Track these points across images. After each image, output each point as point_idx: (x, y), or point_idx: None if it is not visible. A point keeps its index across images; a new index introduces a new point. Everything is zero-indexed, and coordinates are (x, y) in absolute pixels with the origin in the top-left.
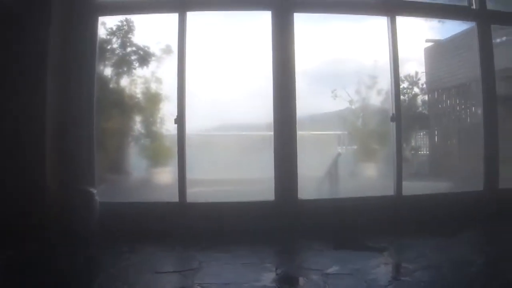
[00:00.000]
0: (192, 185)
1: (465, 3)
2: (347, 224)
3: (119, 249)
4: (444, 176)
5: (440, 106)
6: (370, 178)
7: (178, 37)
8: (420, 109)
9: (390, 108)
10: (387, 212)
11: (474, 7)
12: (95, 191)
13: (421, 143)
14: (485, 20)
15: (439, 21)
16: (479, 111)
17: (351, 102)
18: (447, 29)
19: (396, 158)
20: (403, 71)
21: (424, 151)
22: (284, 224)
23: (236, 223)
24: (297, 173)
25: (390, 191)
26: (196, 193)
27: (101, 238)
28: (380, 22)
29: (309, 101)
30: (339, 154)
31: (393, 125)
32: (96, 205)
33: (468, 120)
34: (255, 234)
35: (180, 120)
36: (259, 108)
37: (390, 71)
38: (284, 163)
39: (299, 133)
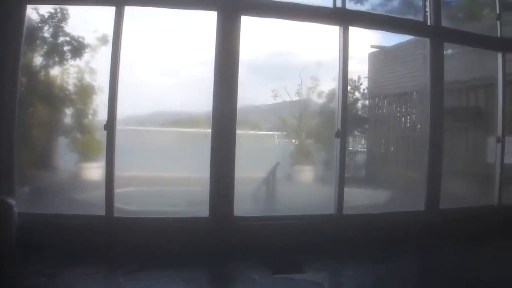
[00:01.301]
0: (121, 184)
1: (421, 19)
2: (286, 244)
3: (37, 270)
4: (380, 183)
5: (380, 112)
6: (308, 184)
7: (114, 31)
8: (360, 113)
9: (336, 119)
10: (328, 232)
11: (429, 23)
12: (14, 202)
13: (358, 147)
14: (439, 37)
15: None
16: (420, 121)
17: (290, 101)
18: (393, 36)
19: (338, 176)
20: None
21: (361, 156)
22: (219, 244)
23: (168, 241)
24: (233, 186)
25: (330, 208)
26: (125, 194)
27: (18, 256)
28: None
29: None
30: (277, 164)
31: (337, 142)
32: (14, 217)
33: (408, 129)
34: (188, 254)
35: (110, 124)
36: (199, 104)
37: (338, 84)
38: (220, 179)
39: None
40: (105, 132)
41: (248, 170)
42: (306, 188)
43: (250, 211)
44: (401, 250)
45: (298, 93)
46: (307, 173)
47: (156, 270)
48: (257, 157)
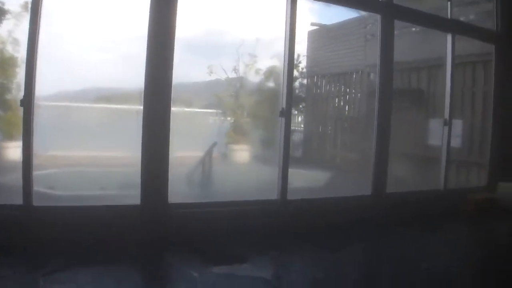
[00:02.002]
0: (45, 166)
1: None
2: (227, 233)
3: None
4: (318, 164)
5: (318, 91)
6: (246, 165)
7: None
8: (297, 92)
9: (280, 97)
10: (271, 219)
11: None
12: None
13: (295, 127)
14: (390, 14)
15: (325, 5)
16: (358, 104)
17: (226, 78)
18: (333, 14)
19: (282, 158)
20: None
21: (298, 135)
22: (153, 234)
23: (95, 233)
24: (168, 170)
25: (272, 192)
26: (48, 176)
27: None
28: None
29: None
30: (214, 144)
31: (281, 121)
32: None
33: (347, 110)
34: (117, 248)
35: (27, 100)
36: (130, 76)
37: (284, 61)
38: (152, 163)
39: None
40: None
41: (183, 150)
42: (244, 169)
43: (185, 196)
44: (348, 236)
45: (235, 71)
46: (244, 153)
47: (82, 268)
48: (191, 136)
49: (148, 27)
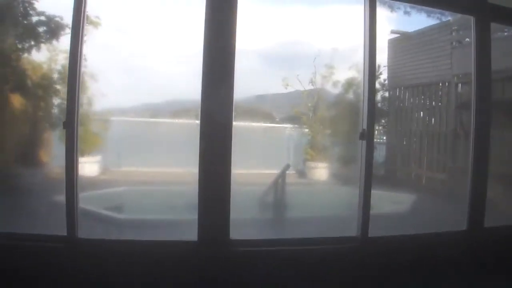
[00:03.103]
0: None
1: None
2: (295, 276)
3: None
4: (400, 184)
5: (401, 104)
6: (324, 184)
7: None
8: (379, 105)
9: (361, 116)
10: (349, 260)
11: None
12: None
13: (377, 139)
14: (485, 16)
15: (405, 13)
16: (447, 117)
17: (303, 90)
18: (413, 22)
19: (363, 192)
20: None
21: (380, 152)
22: (212, 276)
23: (146, 272)
24: (229, 201)
25: (352, 224)
26: (115, 195)
27: None
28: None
29: (259, 81)
30: (287, 166)
31: (362, 144)
32: None
33: (434, 124)
34: None
35: (70, 121)
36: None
37: (364, 73)
38: (211, 192)
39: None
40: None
41: (257, 167)
42: (321, 190)
43: (252, 231)
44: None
45: (312, 82)
46: (322, 171)
47: None
48: (267, 152)
49: (204, 39)
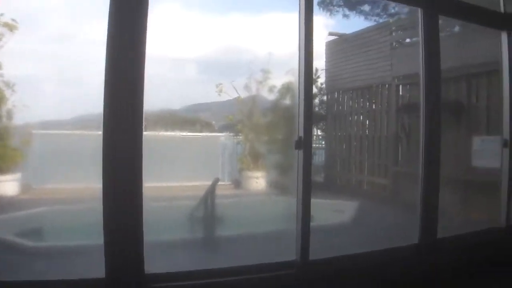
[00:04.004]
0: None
1: None
2: None
3: None
4: (340, 190)
5: (340, 108)
6: (260, 194)
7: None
8: (317, 109)
9: (297, 123)
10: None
11: None
12: None
13: (315, 147)
14: (433, 8)
15: (343, 16)
16: (388, 120)
17: (238, 97)
18: (352, 25)
19: (301, 211)
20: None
21: (319, 158)
22: None
23: None
24: (142, 227)
25: (291, 254)
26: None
27: None
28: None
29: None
30: (217, 180)
31: (298, 155)
32: None
33: (374, 128)
34: None
35: None
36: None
37: (299, 77)
38: (120, 215)
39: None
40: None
41: (187, 179)
42: (258, 201)
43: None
44: None
45: (246, 88)
46: (259, 180)
47: None
48: (200, 163)
49: (107, 44)
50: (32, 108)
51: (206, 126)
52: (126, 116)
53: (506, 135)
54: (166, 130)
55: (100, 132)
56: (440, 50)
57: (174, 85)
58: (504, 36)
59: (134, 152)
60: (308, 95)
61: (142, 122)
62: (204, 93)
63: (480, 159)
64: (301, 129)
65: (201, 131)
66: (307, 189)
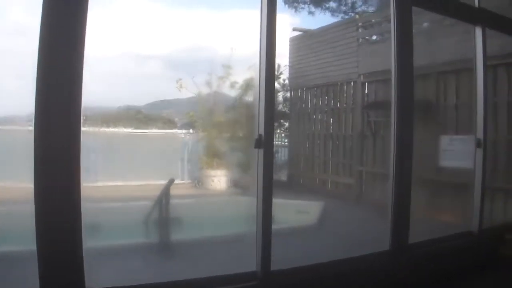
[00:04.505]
0: None
1: None
2: None
3: None
4: (305, 190)
5: (303, 106)
6: (220, 194)
7: None
8: (280, 107)
9: (257, 122)
10: None
11: None
12: None
13: (278, 145)
14: None
15: (309, 13)
16: (353, 118)
17: (198, 93)
18: (318, 23)
19: (262, 220)
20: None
21: (282, 156)
22: None
23: None
24: (81, 236)
25: (252, 265)
26: None
27: None
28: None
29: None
30: (171, 181)
31: (258, 154)
32: None
33: (339, 126)
34: None
35: None
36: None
37: (260, 73)
38: (55, 220)
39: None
40: None
41: (146, 178)
42: (218, 202)
43: (128, 269)
44: None
45: (208, 84)
46: (219, 179)
47: None
48: (159, 161)
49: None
50: None
51: (169, 123)
52: (61, 110)
53: (479, 134)
54: (129, 127)
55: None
56: (413, 43)
57: (138, 81)
58: (478, 31)
59: (70, 150)
60: (270, 92)
61: (80, 117)
62: (168, 89)
63: (449, 159)
64: (261, 127)
65: (163, 129)
66: (268, 193)
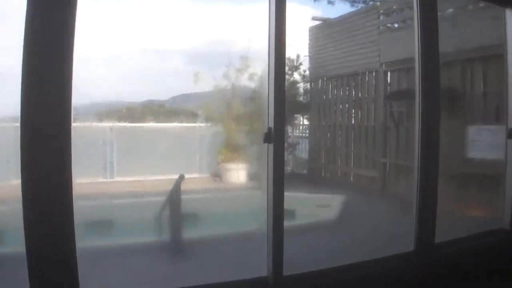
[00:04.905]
0: None
1: None
2: None
3: None
4: (325, 183)
5: (324, 97)
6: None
7: None
8: (301, 98)
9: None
10: None
11: None
12: None
13: (299, 138)
14: None
15: (328, 3)
16: (375, 108)
17: (215, 86)
18: (338, 12)
19: (272, 223)
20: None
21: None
22: None
23: None
24: (74, 246)
25: (263, 270)
26: None
27: None
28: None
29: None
30: (182, 177)
31: (268, 149)
32: None
33: (360, 117)
34: None
35: None
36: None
37: (269, 62)
38: (44, 223)
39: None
40: None
41: (162, 172)
42: (237, 197)
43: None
44: None
45: (225, 77)
46: (239, 173)
47: None
48: (176, 155)
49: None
50: None
51: (191, 116)
52: (49, 105)
53: (511, 123)
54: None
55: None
56: (438, 28)
57: (159, 76)
58: (509, 14)
59: (60, 146)
60: (280, 83)
61: (70, 112)
62: (190, 83)
63: (477, 150)
64: (271, 119)
65: (186, 122)
66: (279, 192)
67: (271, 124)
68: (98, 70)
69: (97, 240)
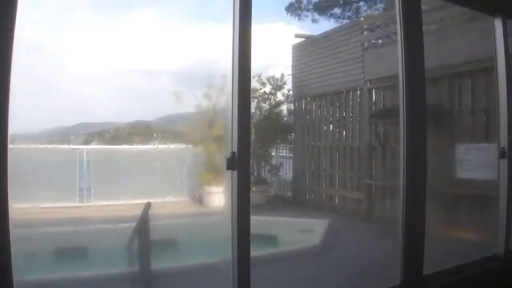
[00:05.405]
0: None
1: None
2: None
3: None
4: (310, 206)
5: (308, 117)
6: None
7: None
8: (286, 119)
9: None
10: None
11: None
12: None
13: (283, 160)
14: None
15: (312, 21)
16: (360, 128)
17: (197, 106)
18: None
19: (237, 263)
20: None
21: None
22: None
23: None
24: (10, 266)
25: None
26: None
27: None
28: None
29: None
30: (148, 205)
31: (232, 176)
32: None
33: (345, 137)
34: None
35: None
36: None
37: (233, 82)
38: None
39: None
40: None
41: (139, 196)
42: (217, 222)
43: None
44: None
45: (207, 97)
46: (222, 196)
47: None
48: (154, 179)
49: None
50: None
51: (176, 137)
52: None
53: (503, 142)
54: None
55: None
56: (423, 39)
57: (147, 96)
58: (498, 24)
59: None
60: (244, 102)
61: (6, 136)
62: (175, 104)
63: (466, 170)
64: (234, 143)
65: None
66: (245, 224)
67: (235, 148)
68: (86, 89)
69: (65, 270)
